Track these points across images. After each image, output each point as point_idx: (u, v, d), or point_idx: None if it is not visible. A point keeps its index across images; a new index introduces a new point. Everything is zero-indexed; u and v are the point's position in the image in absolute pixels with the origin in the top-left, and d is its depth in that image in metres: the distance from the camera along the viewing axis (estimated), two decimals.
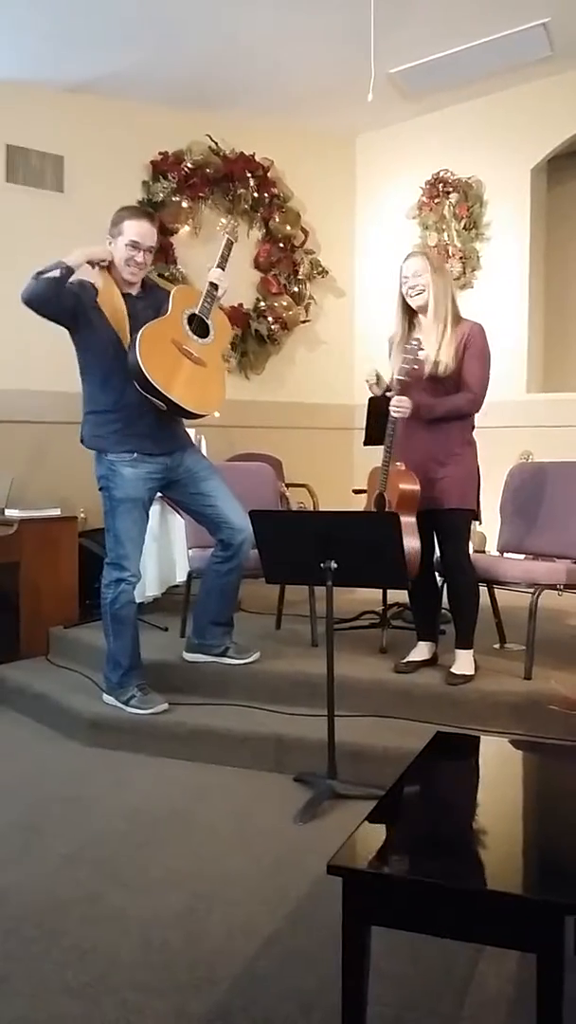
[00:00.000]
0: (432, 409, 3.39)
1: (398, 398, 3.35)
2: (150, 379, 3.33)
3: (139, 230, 3.47)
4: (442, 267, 3.49)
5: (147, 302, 3.55)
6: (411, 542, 3.33)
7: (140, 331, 3.37)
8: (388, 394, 3.50)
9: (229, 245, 3.70)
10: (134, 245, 3.46)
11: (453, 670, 3.48)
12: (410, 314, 3.49)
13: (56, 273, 3.32)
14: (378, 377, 3.54)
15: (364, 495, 4.58)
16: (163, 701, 3.59)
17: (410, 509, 3.39)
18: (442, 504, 3.42)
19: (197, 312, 3.53)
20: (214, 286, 3.58)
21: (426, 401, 3.38)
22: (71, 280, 3.39)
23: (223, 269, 3.64)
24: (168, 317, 3.47)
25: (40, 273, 3.32)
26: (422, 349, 3.31)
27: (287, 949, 2.21)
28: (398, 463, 3.43)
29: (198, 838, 2.83)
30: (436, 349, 3.37)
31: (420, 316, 3.47)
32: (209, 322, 3.57)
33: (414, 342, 3.30)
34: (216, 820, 2.96)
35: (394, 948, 2.07)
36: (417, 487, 3.39)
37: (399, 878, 1.63)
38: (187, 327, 3.50)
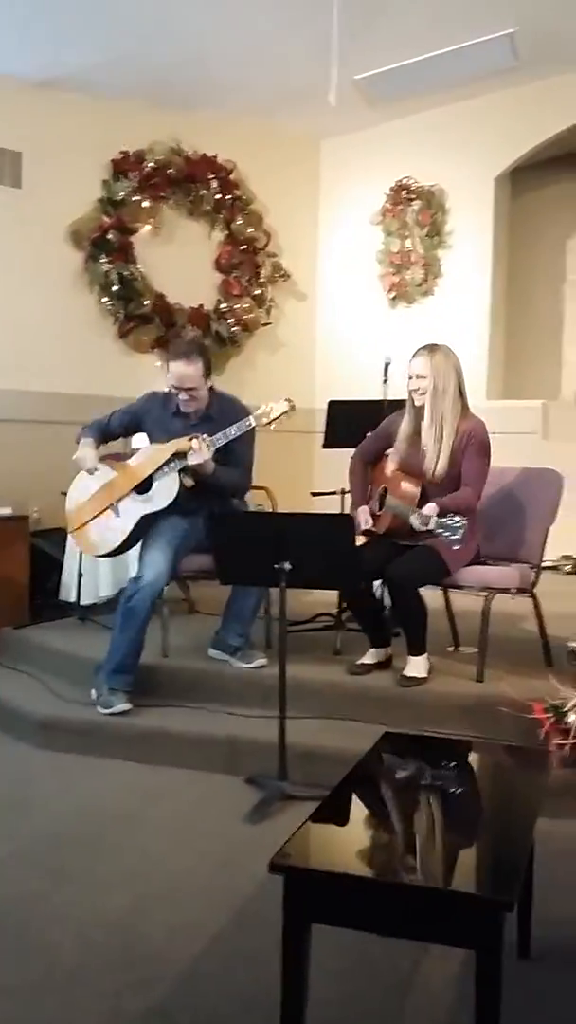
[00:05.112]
0: (444, 507, 3.35)
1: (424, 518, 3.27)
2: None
3: (175, 372, 3.69)
4: (446, 367, 3.47)
5: (208, 428, 3.69)
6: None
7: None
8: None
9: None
10: (175, 388, 3.72)
11: (405, 672, 3.49)
12: (418, 409, 3.53)
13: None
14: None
15: (321, 498, 4.63)
16: (123, 703, 3.54)
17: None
18: (434, 547, 3.39)
19: (151, 473, 3.69)
20: (180, 456, 3.62)
21: (439, 502, 3.37)
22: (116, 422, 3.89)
23: (209, 457, 3.61)
24: (122, 476, 3.75)
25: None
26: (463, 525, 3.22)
27: (230, 949, 2.20)
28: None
29: (145, 839, 2.80)
30: (434, 458, 3.46)
31: (426, 412, 3.49)
32: (157, 482, 3.68)
33: (460, 521, 3.18)
34: (164, 821, 2.94)
35: (339, 947, 2.06)
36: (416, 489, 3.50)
37: (339, 875, 1.62)
38: (133, 488, 3.72)
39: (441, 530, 3.18)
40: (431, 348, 3.52)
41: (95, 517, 3.74)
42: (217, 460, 3.65)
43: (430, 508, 3.32)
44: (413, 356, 3.52)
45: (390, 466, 3.64)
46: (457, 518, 3.17)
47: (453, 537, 3.16)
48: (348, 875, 1.62)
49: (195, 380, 3.69)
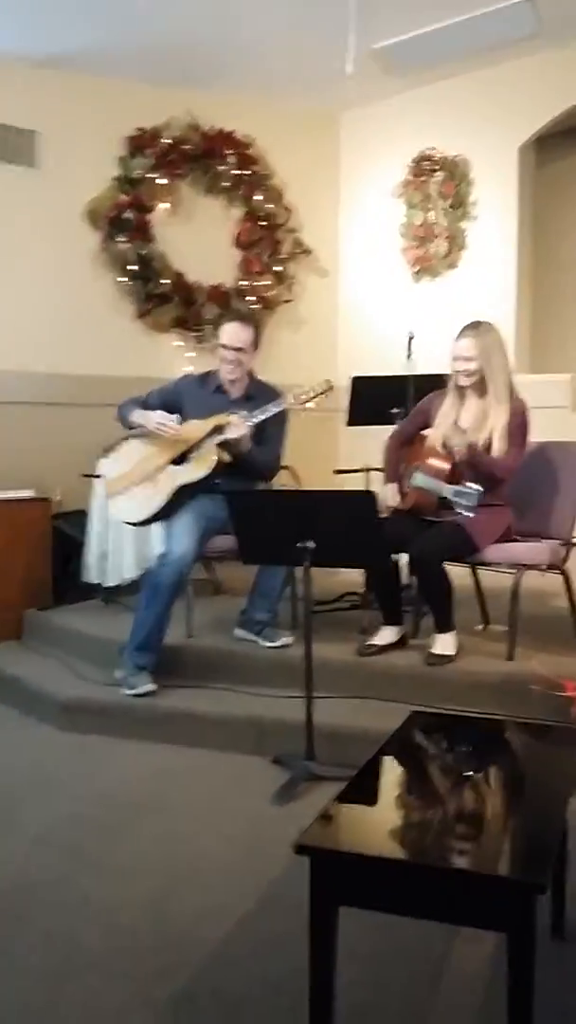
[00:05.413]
0: (478, 456, 3.35)
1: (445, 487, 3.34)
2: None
3: (229, 331, 3.79)
4: (496, 345, 3.43)
5: (246, 407, 3.73)
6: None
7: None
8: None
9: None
10: (222, 347, 3.79)
11: (432, 650, 3.43)
12: (460, 389, 3.49)
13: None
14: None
15: (345, 475, 4.57)
16: (148, 683, 3.51)
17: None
18: (460, 523, 3.32)
19: (190, 446, 3.73)
20: (219, 430, 3.65)
21: (477, 452, 3.37)
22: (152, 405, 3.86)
23: (249, 432, 3.65)
24: (162, 447, 3.76)
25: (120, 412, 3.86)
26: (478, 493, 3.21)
27: (258, 932, 2.16)
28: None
29: (171, 821, 2.77)
30: (491, 431, 3.39)
31: (468, 392, 3.47)
32: (194, 455, 3.71)
33: (475, 489, 3.19)
34: (190, 803, 2.91)
35: (370, 929, 2.01)
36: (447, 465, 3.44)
37: (367, 856, 1.57)
38: (171, 461, 3.73)
39: (456, 498, 3.18)
40: (477, 328, 3.43)
41: (134, 485, 3.75)
42: (252, 440, 3.68)
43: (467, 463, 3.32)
44: (459, 336, 3.44)
45: (425, 444, 3.58)
46: (472, 486, 3.16)
47: (466, 504, 3.15)
48: (374, 857, 1.57)
49: (245, 342, 3.78)
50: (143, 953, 2.08)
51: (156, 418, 3.72)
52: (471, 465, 3.31)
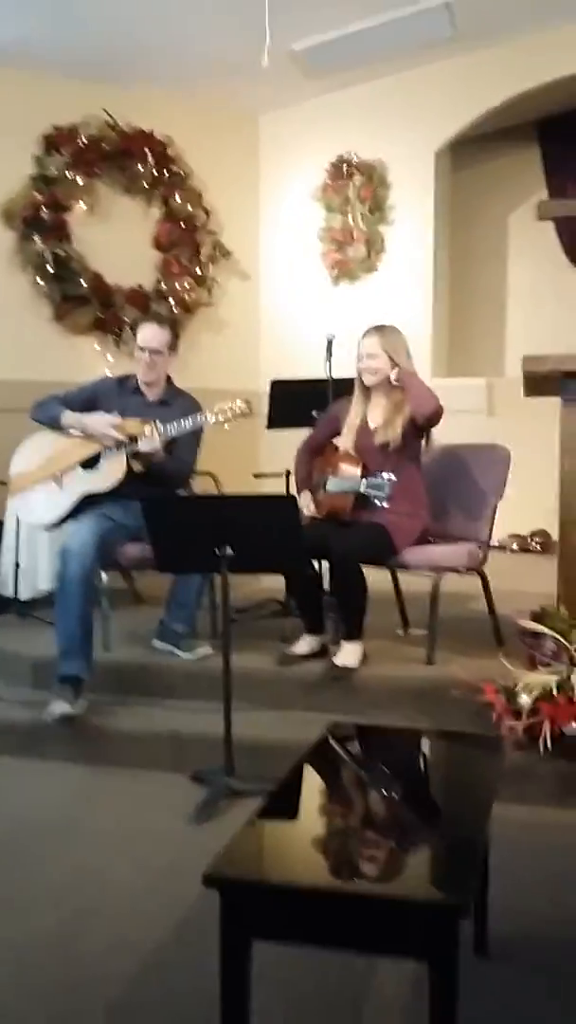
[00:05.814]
0: (406, 378, 3.40)
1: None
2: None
3: (144, 331, 3.76)
4: (400, 344, 3.47)
5: (162, 412, 3.66)
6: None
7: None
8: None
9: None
10: (139, 348, 3.74)
11: (336, 660, 3.36)
12: (366, 388, 3.52)
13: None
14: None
15: (265, 479, 4.50)
16: (65, 706, 3.28)
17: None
18: (379, 524, 3.34)
19: (100, 451, 3.64)
20: (132, 440, 3.57)
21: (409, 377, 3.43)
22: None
23: (161, 446, 3.57)
24: (71, 447, 3.68)
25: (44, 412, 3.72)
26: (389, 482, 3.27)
27: (172, 962, 2.07)
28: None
29: (82, 848, 2.65)
30: (404, 422, 3.41)
31: (375, 392, 3.51)
32: (105, 461, 3.63)
33: (386, 478, 3.25)
34: (104, 826, 2.79)
35: (285, 952, 1.93)
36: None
37: (280, 887, 1.49)
38: (79, 462, 3.66)
39: (369, 489, 3.26)
40: (382, 329, 3.49)
41: (38, 483, 3.67)
42: (164, 450, 3.60)
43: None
44: (363, 336, 3.47)
45: (338, 451, 3.56)
46: (384, 475, 3.25)
47: (379, 494, 3.24)
48: (288, 887, 1.49)
49: (162, 344, 3.74)
50: (54, 991, 1.97)
51: (104, 423, 3.58)
52: (406, 386, 3.41)
